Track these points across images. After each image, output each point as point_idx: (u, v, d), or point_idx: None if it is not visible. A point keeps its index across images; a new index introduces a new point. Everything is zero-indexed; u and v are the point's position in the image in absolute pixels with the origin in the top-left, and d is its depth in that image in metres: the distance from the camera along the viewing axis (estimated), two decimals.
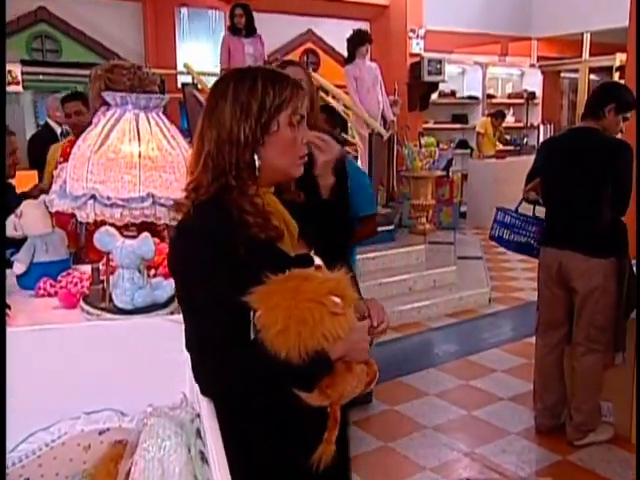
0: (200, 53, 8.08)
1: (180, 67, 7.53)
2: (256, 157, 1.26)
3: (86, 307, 1.68)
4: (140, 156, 1.56)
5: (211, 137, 1.25)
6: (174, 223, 1.61)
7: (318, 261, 1.29)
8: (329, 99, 6.45)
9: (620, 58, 9.23)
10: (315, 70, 8.41)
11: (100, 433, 1.52)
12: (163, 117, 1.66)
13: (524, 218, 3.39)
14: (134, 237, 1.62)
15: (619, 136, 3.28)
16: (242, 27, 6.49)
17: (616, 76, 9.70)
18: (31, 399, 1.46)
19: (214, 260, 1.20)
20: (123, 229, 1.64)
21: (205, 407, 1.26)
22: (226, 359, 1.20)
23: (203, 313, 1.21)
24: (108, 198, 1.52)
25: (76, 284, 1.84)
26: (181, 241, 1.26)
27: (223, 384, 1.23)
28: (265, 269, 1.20)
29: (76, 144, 1.66)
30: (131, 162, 1.56)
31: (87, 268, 1.93)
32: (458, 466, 3.00)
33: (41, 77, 7.31)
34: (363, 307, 1.31)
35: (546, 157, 3.28)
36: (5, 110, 3.68)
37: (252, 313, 1.19)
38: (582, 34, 10.08)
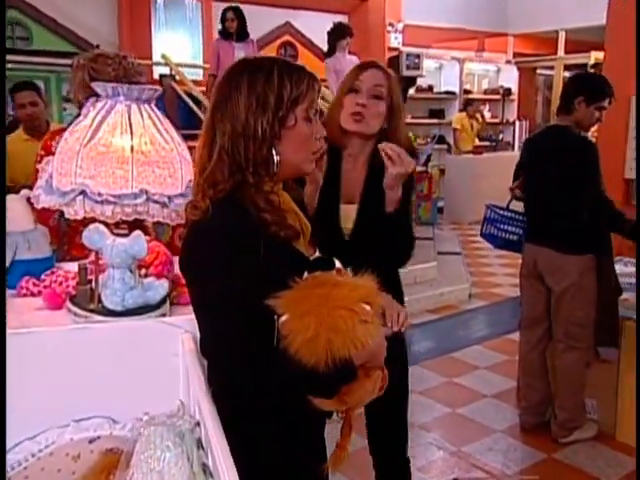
0: (177, 44, 7.93)
1: (156, 58, 7.38)
2: (274, 152, 1.20)
3: (73, 308, 1.59)
4: (133, 150, 1.48)
5: (225, 130, 1.19)
6: (168, 221, 1.55)
7: (339, 264, 1.24)
8: None
9: (595, 56, 9.33)
10: None
11: (90, 442, 1.45)
12: (156, 109, 1.58)
13: (514, 215, 3.36)
14: (125, 235, 1.54)
15: (593, 129, 3.29)
16: (233, 32, 6.25)
17: None
18: (16, 407, 1.37)
19: (233, 258, 1.15)
20: (113, 227, 1.56)
21: (208, 414, 1.20)
22: (241, 360, 1.15)
23: (217, 310, 1.16)
24: (99, 194, 1.44)
25: (61, 283, 1.75)
26: (199, 240, 1.20)
27: (239, 385, 1.18)
28: (283, 270, 1.16)
29: (63, 137, 1.58)
30: (123, 156, 1.48)
31: (72, 267, 1.85)
32: (445, 465, 2.98)
33: (11, 66, 7.09)
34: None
35: (526, 155, 3.29)
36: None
37: (276, 318, 1.14)
38: (557, 31, 10.17)
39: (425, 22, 9.20)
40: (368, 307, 1.18)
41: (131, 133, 1.50)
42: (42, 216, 1.93)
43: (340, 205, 1.84)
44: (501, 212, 3.39)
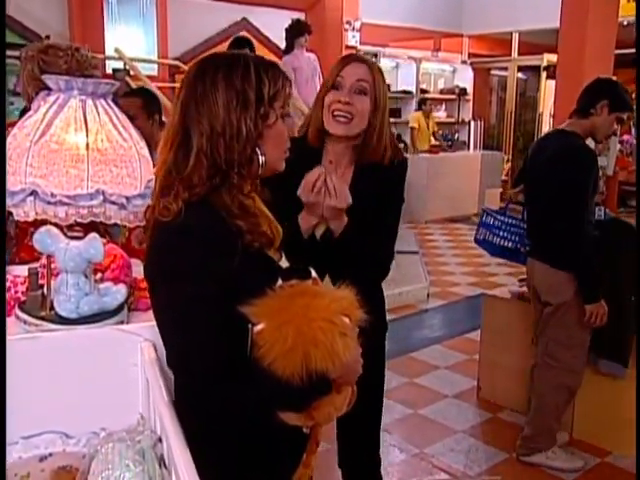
0: (130, 38, 7.72)
1: (109, 51, 7.17)
2: (259, 152, 1.13)
3: (23, 316, 1.49)
4: (88, 148, 1.40)
5: (202, 131, 1.11)
6: (125, 223, 1.46)
7: (314, 274, 1.19)
8: None
9: (547, 58, 9.54)
10: None
11: (41, 460, 1.35)
12: (113, 105, 1.49)
13: (512, 221, 3.08)
14: (80, 238, 1.45)
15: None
16: None
17: (543, 75, 10.04)
18: None
19: (207, 261, 1.08)
20: (66, 229, 1.47)
21: (171, 429, 1.12)
22: (213, 364, 1.09)
23: (187, 313, 1.09)
24: (52, 195, 1.35)
25: (9, 289, 1.64)
26: (171, 241, 1.11)
27: (209, 393, 1.12)
28: (256, 277, 1.10)
29: (11, 133, 1.47)
30: (77, 154, 1.39)
31: (21, 271, 1.74)
32: (408, 467, 2.96)
33: None
34: None
35: (529, 161, 3.01)
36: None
37: (250, 326, 1.07)
38: (511, 33, 10.34)
39: (382, 21, 9.20)
40: (347, 320, 1.13)
41: (86, 130, 1.41)
42: None
43: None
44: (498, 217, 3.11)
